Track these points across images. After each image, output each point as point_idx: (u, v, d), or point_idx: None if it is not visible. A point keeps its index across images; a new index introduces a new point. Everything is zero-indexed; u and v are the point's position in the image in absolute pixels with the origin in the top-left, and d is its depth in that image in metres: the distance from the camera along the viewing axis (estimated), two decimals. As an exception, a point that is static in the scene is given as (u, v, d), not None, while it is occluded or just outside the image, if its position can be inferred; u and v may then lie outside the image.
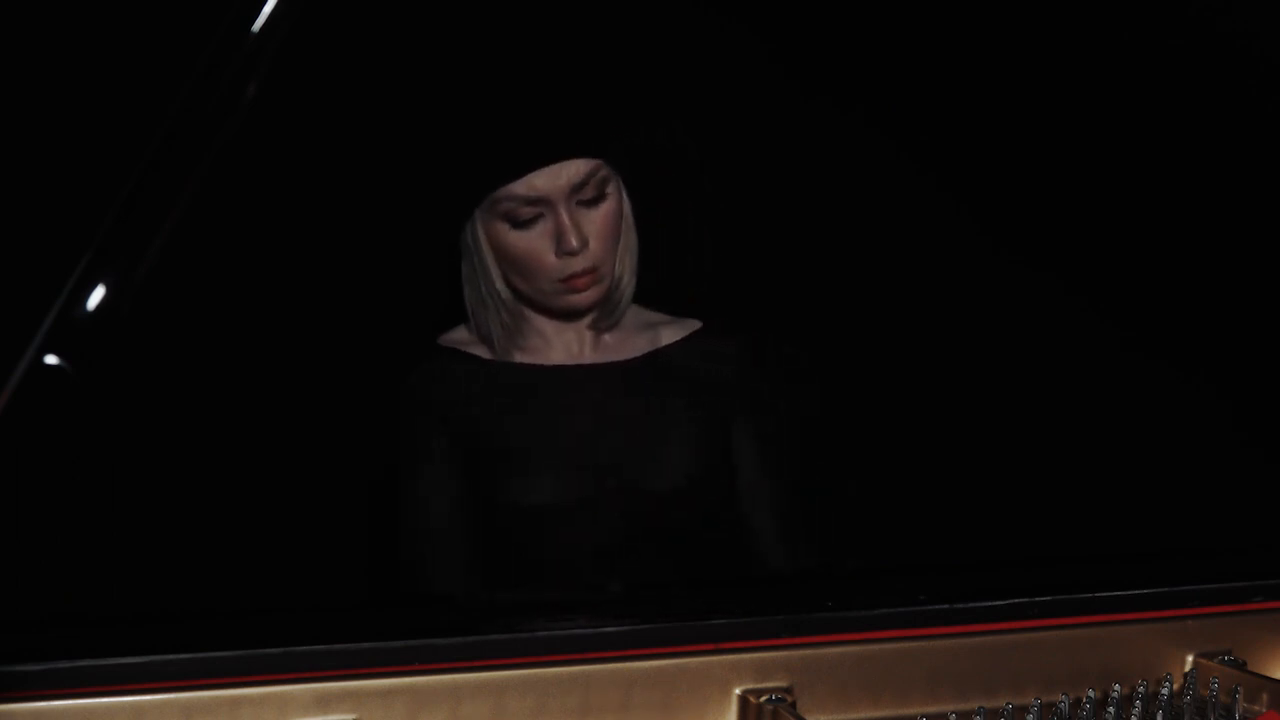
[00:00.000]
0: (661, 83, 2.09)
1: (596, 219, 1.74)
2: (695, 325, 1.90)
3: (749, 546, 1.86)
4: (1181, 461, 2.24)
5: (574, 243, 1.71)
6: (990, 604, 1.40)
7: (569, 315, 1.82)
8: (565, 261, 1.74)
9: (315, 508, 1.95)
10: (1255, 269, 2.32)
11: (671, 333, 1.88)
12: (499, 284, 1.79)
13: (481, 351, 1.85)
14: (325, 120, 1.97)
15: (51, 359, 1.10)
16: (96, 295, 1.12)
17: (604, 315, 1.83)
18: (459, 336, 1.87)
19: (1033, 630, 1.40)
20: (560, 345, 1.84)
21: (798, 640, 1.33)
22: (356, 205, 2.06)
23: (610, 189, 1.76)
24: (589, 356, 1.85)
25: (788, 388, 2.00)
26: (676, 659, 1.30)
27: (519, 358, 1.84)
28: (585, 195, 1.73)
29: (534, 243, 1.73)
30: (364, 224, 2.11)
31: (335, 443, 1.95)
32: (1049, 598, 1.41)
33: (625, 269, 1.82)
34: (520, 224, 1.73)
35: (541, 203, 1.72)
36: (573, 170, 1.71)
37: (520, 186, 1.71)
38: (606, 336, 1.86)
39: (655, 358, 1.86)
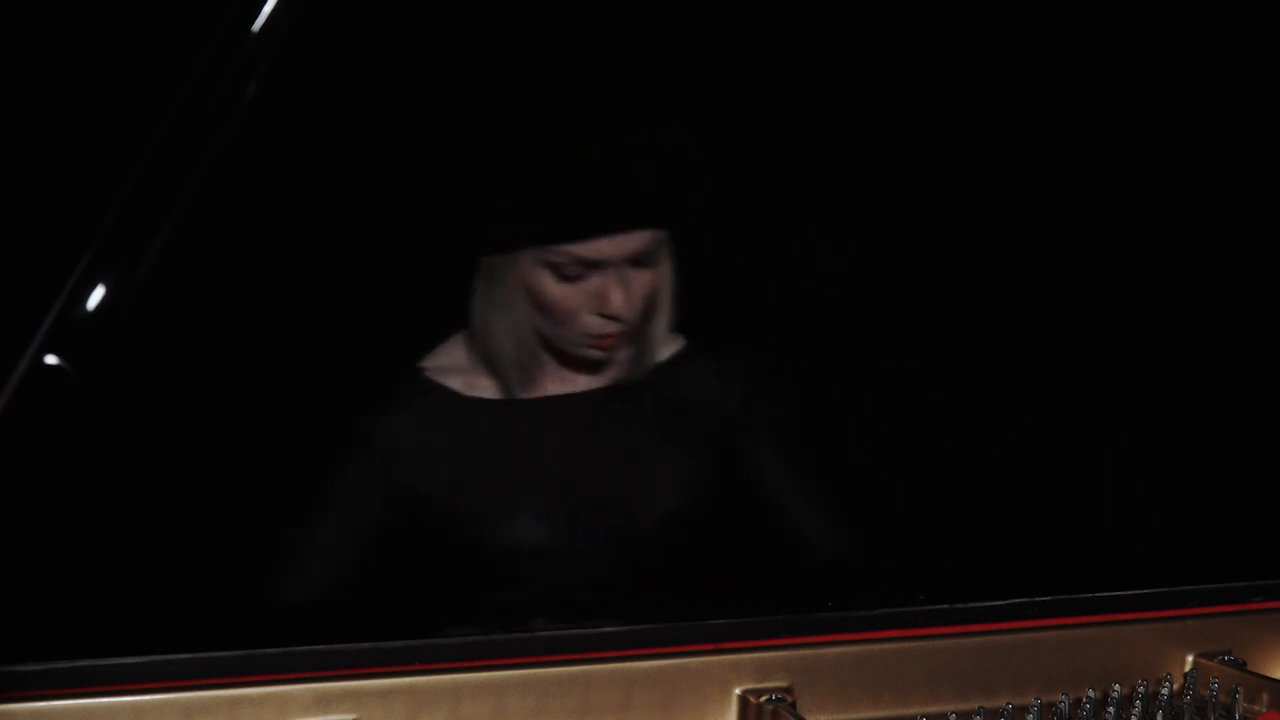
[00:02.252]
0: (655, 80, 2.08)
1: (641, 283, 1.68)
2: (680, 342, 1.84)
3: (795, 544, 1.82)
4: (1181, 461, 2.24)
5: (617, 308, 1.65)
6: (990, 604, 1.40)
7: (584, 366, 1.76)
8: (599, 322, 1.68)
9: (315, 508, 1.95)
10: (1255, 269, 2.32)
11: (660, 351, 1.82)
12: (524, 324, 1.71)
13: (460, 383, 1.77)
14: (325, 120, 1.97)
15: (51, 359, 1.10)
16: (96, 295, 1.12)
17: (622, 376, 1.78)
18: (440, 362, 1.80)
19: (1033, 630, 1.40)
20: (558, 379, 1.78)
21: (798, 640, 1.33)
22: (357, 206, 2.06)
23: (663, 253, 1.71)
24: (580, 383, 1.79)
25: (775, 391, 1.97)
26: (676, 659, 1.30)
27: (502, 394, 1.77)
28: (639, 258, 1.67)
29: (576, 299, 1.66)
30: (364, 224, 2.11)
31: (335, 443, 1.94)
32: (1049, 598, 1.41)
33: (660, 333, 1.76)
34: (567, 278, 1.65)
35: (596, 265, 1.65)
36: (638, 240, 1.65)
37: (583, 248, 1.63)
38: None
39: (640, 380, 1.80)
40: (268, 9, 1.16)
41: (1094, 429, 2.28)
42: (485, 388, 1.76)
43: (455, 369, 1.78)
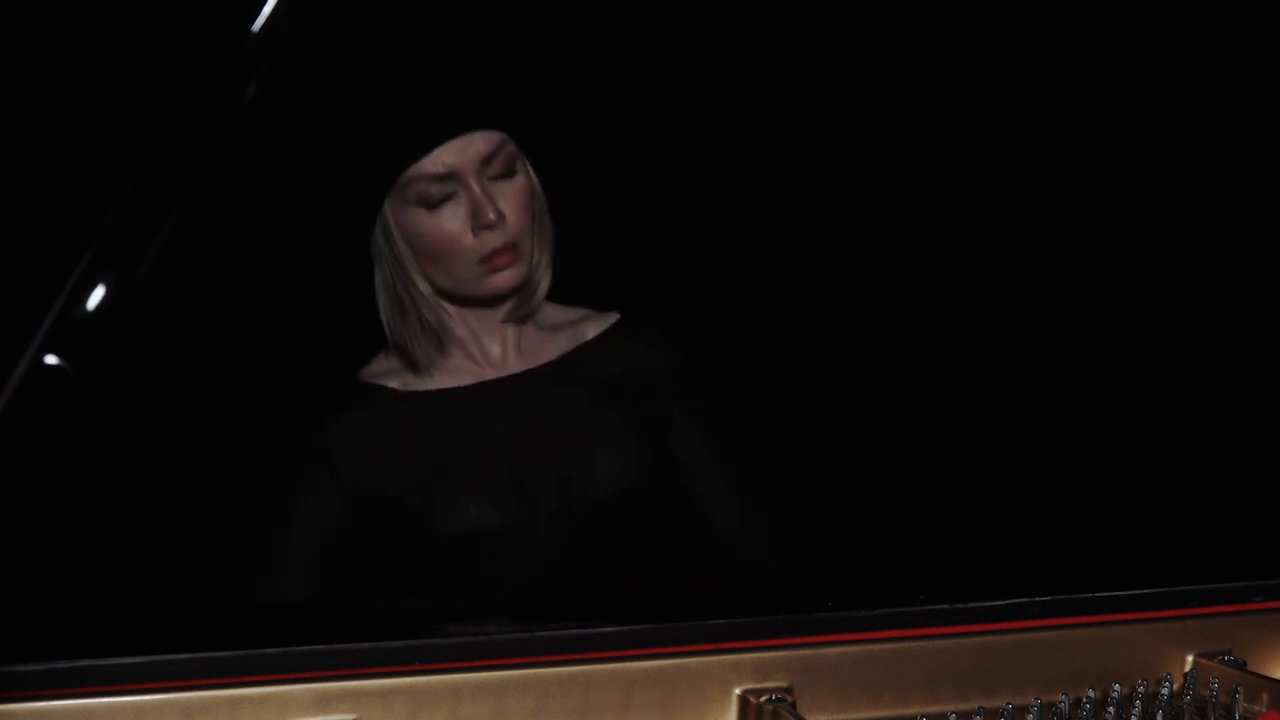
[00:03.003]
0: (655, 80, 2.08)
1: (510, 193, 1.72)
2: (614, 317, 1.86)
3: (711, 540, 1.83)
4: (1181, 461, 2.24)
5: (490, 215, 1.69)
6: (990, 604, 1.40)
7: (491, 301, 1.77)
8: (483, 238, 1.71)
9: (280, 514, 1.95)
10: (1255, 269, 2.32)
11: (594, 327, 1.85)
12: (417, 279, 1.75)
13: (397, 383, 1.80)
14: (326, 120, 1.97)
15: (51, 359, 1.10)
16: (96, 295, 1.12)
17: (523, 302, 1.79)
18: (376, 368, 1.83)
19: (1033, 630, 1.40)
20: (480, 352, 1.80)
21: (798, 640, 1.33)
22: (357, 206, 2.06)
23: (519, 166, 1.75)
24: (512, 363, 1.81)
25: (720, 375, 1.96)
26: (676, 659, 1.30)
27: (436, 379, 1.79)
28: (495, 170, 1.72)
29: (449, 224, 1.71)
30: (364, 224, 2.11)
31: (283, 451, 1.93)
32: (1049, 598, 1.41)
33: (542, 252, 1.78)
34: (433, 205, 1.71)
35: (452, 179, 1.70)
36: (480, 143, 1.70)
37: (429, 164, 1.69)
38: (528, 337, 1.82)
39: (573, 357, 1.82)
40: (268, 9, 1.16)
41: (1094, 429, 2.28)
42: (420, 383, 1.79)
43: (391, 372, 1.81)
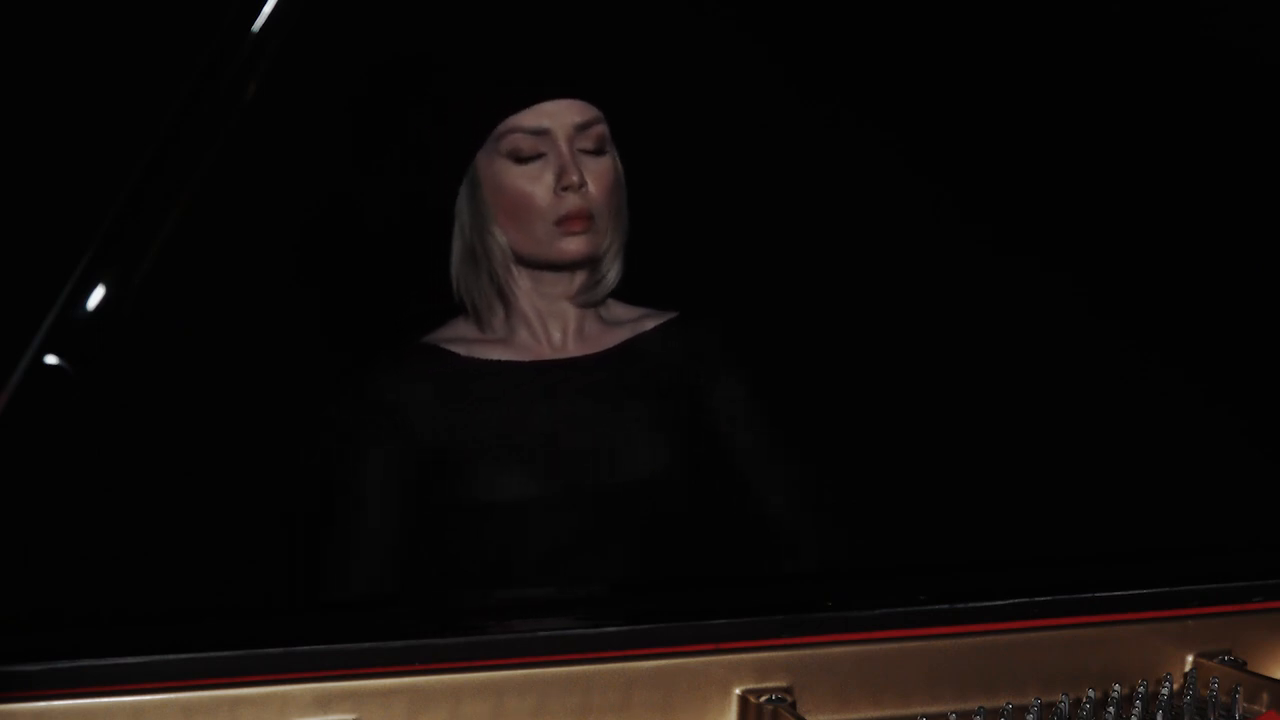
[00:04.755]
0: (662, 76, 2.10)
1: (595, 169, 1.80)
2: (673, 315, 1.93)
3: (756, 527, 1.87)
4: (1182, 461, 2.25)
5: (574, 177, 1.76)
6: (990, 604, 1.40)
7: (559, 266, 1.83)
8: (563, 198, 1.78)
9: (315, 508, 1.95)
10: (1255, 269, 2.32)
11: (652, 322, 1.91)
12: (495, 231, 1.81)
13: (461, 349, 1.85)
14: (326, 120, 1.97)
15: (51, 359, 1.10)
16: (96, 295, 1.12)
17: (591, 284, 1.85)
18: (442, 334, 1.88)
19: (1033, 630, 1.40)
20: (543, 333, 1.85)
21: (798, 640, 1.33)
22: (357, 205, 2.06)
23: (609, 149, 1.82)
24: (571, 348, 1.86)
25: (763, 373, 1.99)
26: (676, 659, 1.30)
27: (496, 351, 1.85)
28: (587, 143, 1.79)
29: (534, 180, 1.78)
30: (364, 224, 2.11)
31: (335, 442, 1.94)
32: (1049, 598, 1.41)
33: (615, 237, 1.84)
34: (522, 159, 1.78)
35: (546, 137, 1.77)
36: (578, 111, 1.78)
37: (528, 116, 1.77)
38: (590, 327, 1.87)
39: (629, 346, 1.88)
40: (268, 9, 1.16)
41: (1094, 429, 2.28)
42: (482, 351, 1.85)
43: (456, 339, 1.86)
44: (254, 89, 1.16)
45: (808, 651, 1.33)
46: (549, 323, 1.86)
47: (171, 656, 1.18)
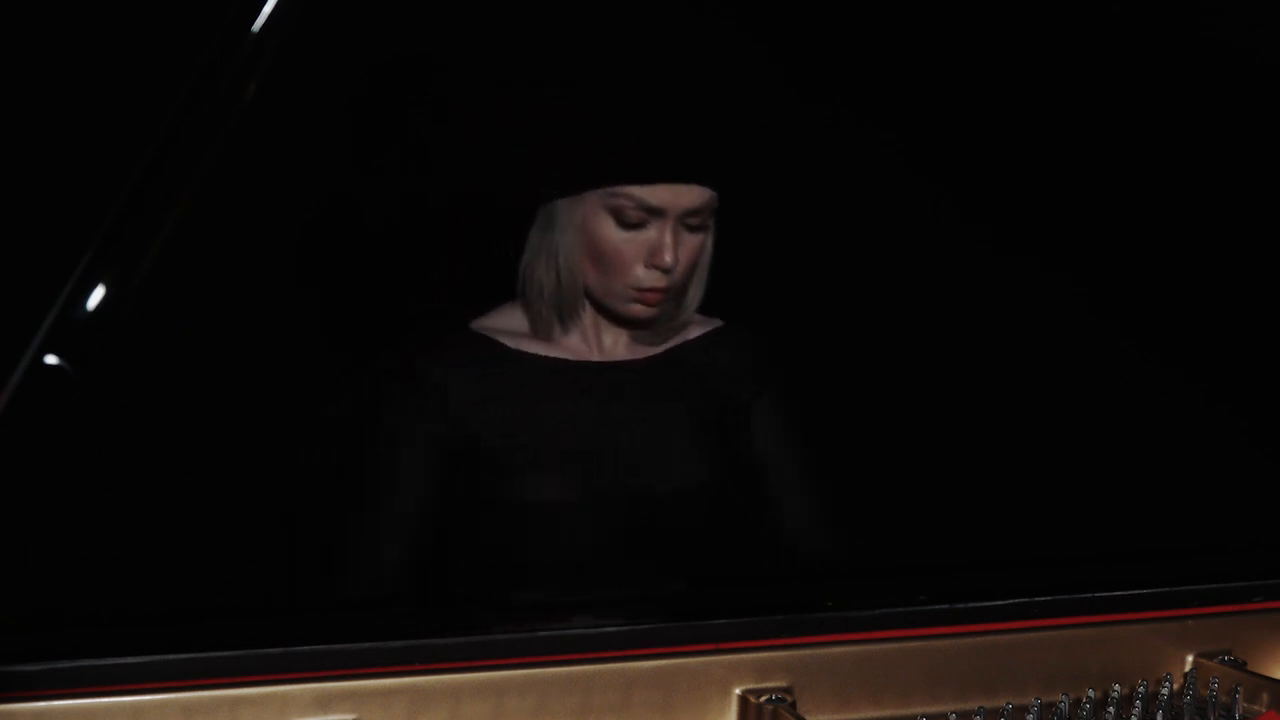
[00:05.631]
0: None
1: (690, 245, 1.79)
2: (716, 323, 1.93)
3: (781, 535, 1.88)
4: (1182, 461, 2.24)
5: (668, 260, 1.75)
6: (990, 604, 1.40)
7: (623, 322, 1.85)
8: (649, 274, 1.77)
9: (316, 508, 1.95)
10: (1255, 269, 2.32)
11: (695, 330, 1.92)
12: (575, 267, 1.80)
13: (509, 340, 1.85)
14: (326, 120, 1.97)
15: (51, 359, 1.10)
16: (96, 295, 1.12)
17: (654, 333, 1.87)
18: (490, 322, 1.87)
19: (1033, 630, 1.40)
20: (594, 339, 1.87)
21: (798, 640, 1.33)
22: (357, 205, 2.06)
23: (710, 225, 1.81)
24: (619, 354, 1.87)
25: (800, 380, 2.00)
26: (676, 659, 1.30)
27: (543, 348, 1.85)
28: (693, 221, 1.77)
29: (630, 247, 1.76)
30: (364, 224, 2.11)
31: (336, 442, 1.94)
32: (1049, 598, 1.41)
33: (693, 300, 1.86)
34: (626, 225, 1.76)
35: (655, 214, 1.75)
36: (697, 195, 1.76)
37: (647, 193, 1.74)
38: (640, 335, 1.88)
39: (673, 354, 1.89)
40: (268, 9, 1.16)
41: (1094, 428, 2.28)
42: (527, 345, 1.84)
43: (505, 330, 1.86)
44: (254, 89, 1.16)
45: (808, 651, 1.33)
46: (603, 333, 1.86)
47: (171, 656, 1.18)
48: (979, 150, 2.26)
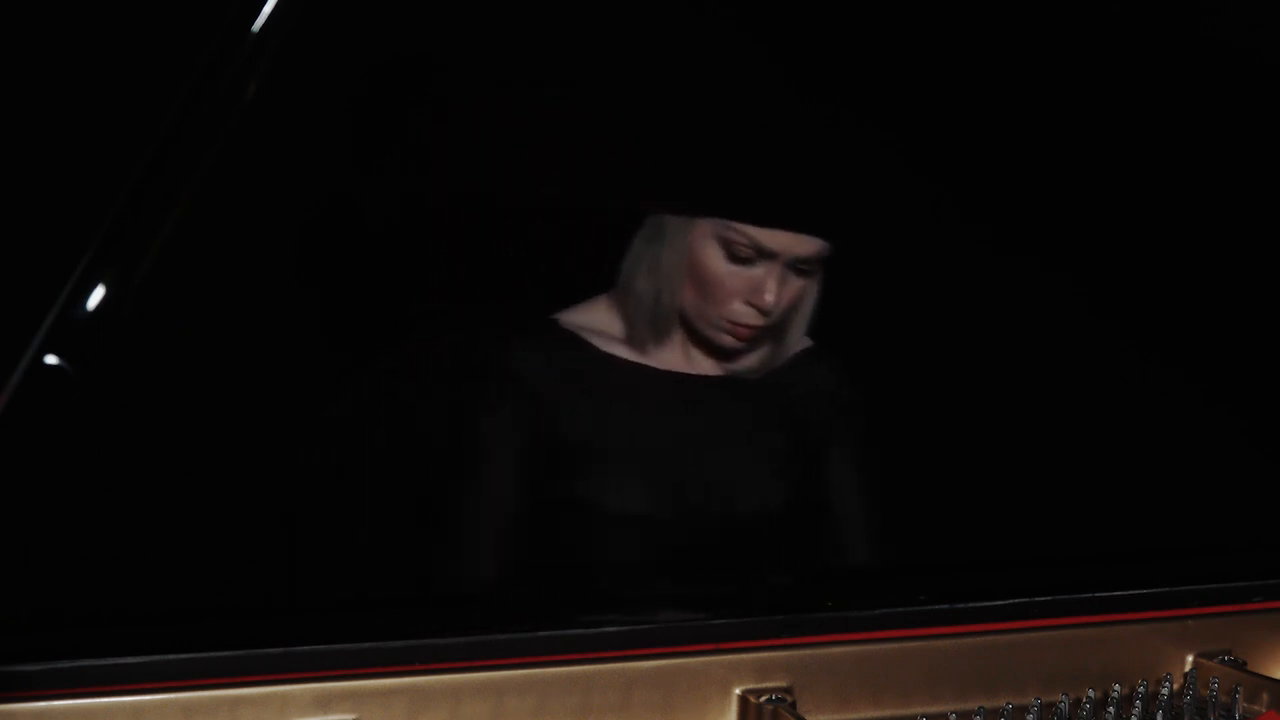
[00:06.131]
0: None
1: (794, 288, 1.78)
2: (806, 343, 1.92)
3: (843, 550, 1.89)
4: (1182, 461, 2.24)
5: (768, 301, 1.75)
6: (990, 604, 1.40)
7: (710, 348, 1.84)
8: (747, 310, 1.77)
9: (316, 507, 1.95)
10: (1255, 269, 2.32)
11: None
12: (676, 286, 1.79)
13: (599, 340, 1.84)
14: (326, 120, 1.97)
15: (51, 359, 1.10)
16: (96, 295, 1.12)
17: (749, 370, 1.86)
18: (578, 318, 1.86)
19: (1033, 630, 1.40)
20: (685, 353, 1.85)
21: (798, 640, 1.33)
22: (357, 205, 2.06)
23: (819, 269, 1.81)
24: (708, 369, 1.86)
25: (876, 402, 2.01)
26: (676, 659, 1.30)
27: (632, 354, 1.84)
28: (803, 267, 1.77)
29: (735, 281, 1.76)
30: (364, 224, 2.11)
31: (336, 442, 1.95)
32: (1049, 598, 1.41)
33: (794, 344, 1.86)
34: (734, 259, 1.75)
35: (766, 255, 1.74)
36: (809, 244, 1.76)
37: (763, 235, 1.73)
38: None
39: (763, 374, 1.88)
40: (268, 9, 1.16)
41: (1094, 428, 2.28)
42: (618, 349, 1.83)
43: (594, 329, 1.84)
44: (254, 89, 1.16)
45: (808, 651, 1.33)
46: (692, 350, 1.86)
47: (171, 656, 1.18)
48: (979, 150, 2.26)
